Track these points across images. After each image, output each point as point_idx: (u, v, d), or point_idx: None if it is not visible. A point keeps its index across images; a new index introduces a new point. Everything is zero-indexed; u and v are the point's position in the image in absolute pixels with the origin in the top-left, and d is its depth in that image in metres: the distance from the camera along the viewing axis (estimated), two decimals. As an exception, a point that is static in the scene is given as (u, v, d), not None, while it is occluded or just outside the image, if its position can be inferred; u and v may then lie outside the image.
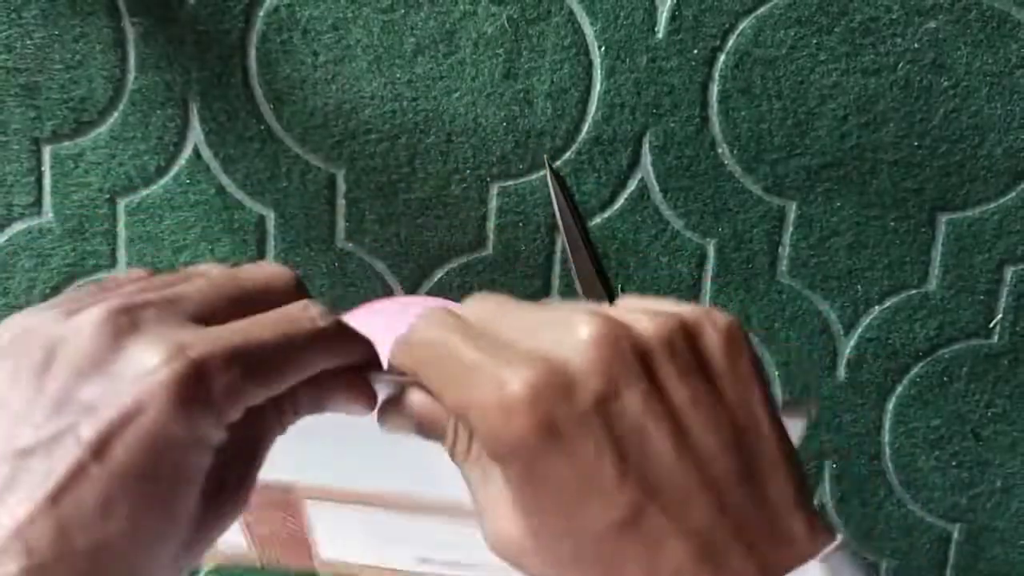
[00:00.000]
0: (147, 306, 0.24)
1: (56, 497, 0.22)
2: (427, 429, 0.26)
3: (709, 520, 0.23)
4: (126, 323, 0.23)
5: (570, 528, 0.23)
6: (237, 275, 0.28)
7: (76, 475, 0.22)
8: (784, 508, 0.23)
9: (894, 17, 0.58)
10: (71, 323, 0.23)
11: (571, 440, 0.23)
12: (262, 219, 0.59)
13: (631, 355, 0.23)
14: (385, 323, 0.54)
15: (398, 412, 0.27)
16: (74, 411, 0.22)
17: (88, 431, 0.22)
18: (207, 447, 0.23)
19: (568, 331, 0.24)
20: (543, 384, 0.23)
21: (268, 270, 0.29)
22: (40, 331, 0.23)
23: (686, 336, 0.24)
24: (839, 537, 0.23)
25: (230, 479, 0.25)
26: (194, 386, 0.22)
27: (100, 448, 0.22)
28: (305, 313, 0.26)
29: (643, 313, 0.24)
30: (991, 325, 0.62)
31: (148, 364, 0.22)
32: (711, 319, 0.25)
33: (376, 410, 0.27)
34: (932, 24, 0.58)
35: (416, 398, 0.26)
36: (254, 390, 0.24)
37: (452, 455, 0.26)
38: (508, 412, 0.23)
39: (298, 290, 0.28)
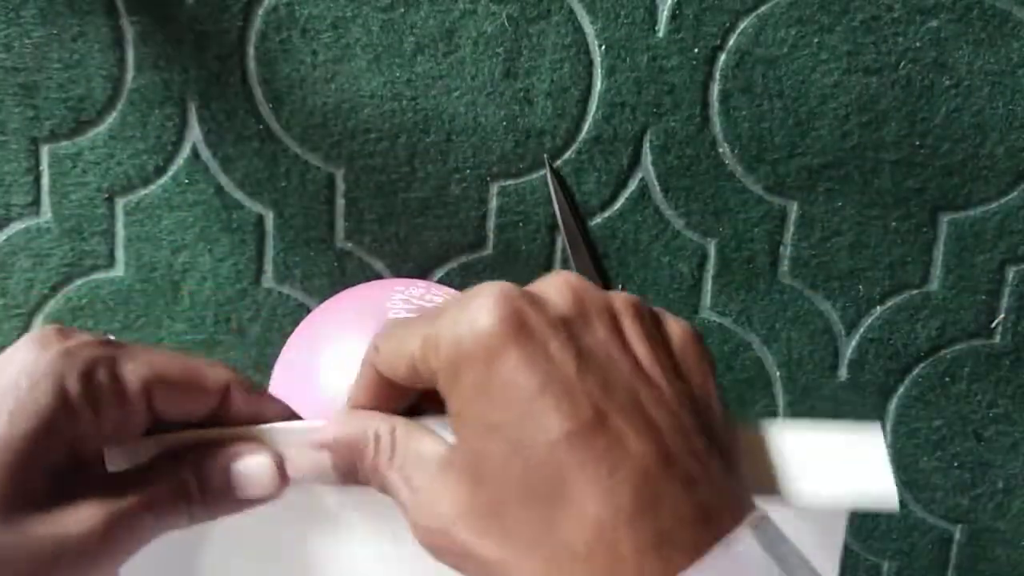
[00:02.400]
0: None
1: None
2: (345, 459, 0.26)
3: (671, 446, 0.22)
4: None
5: (522, 441, 0.22)
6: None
7: None
8: (733, 467, 0.24)
9: (896, 16, 0.57)
10: None
11: (536, 337, 0.23)
12: (261, 219, 0.59)
13: (599, 299, 0.24)
14: (364, 299, 0.54)
15: (313, 444, 0.27)
16: None
17: None
18: (57, 385, 0.25)
19: (544, 280, 0.25)
20: (511, 292, 0.24)
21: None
22: None
23: (651, 314, 0.25)
24: (761, 509, 0.23)
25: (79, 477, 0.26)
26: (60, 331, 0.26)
27: None
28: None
29: (614, 293, 0.26)
30: (993, 325, 0.62)
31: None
32: (672, 316, 0.26)
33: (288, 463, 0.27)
34: (934, 23, 0.58)
35: (332, 427, 0.27)
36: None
37: (373, 471, 0.26)
38: (477, 311, 0.23)
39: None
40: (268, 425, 0.28)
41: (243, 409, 0.28)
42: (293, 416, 0.28)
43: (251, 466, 0.27)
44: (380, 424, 0.26)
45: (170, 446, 0.27)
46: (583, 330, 0.24)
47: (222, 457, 0.27)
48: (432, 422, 0.26)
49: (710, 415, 0.24)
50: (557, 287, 0.24)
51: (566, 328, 0.23)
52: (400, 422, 0.26)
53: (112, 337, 0.26)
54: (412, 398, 0.27)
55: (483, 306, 0.23)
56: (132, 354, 0.26)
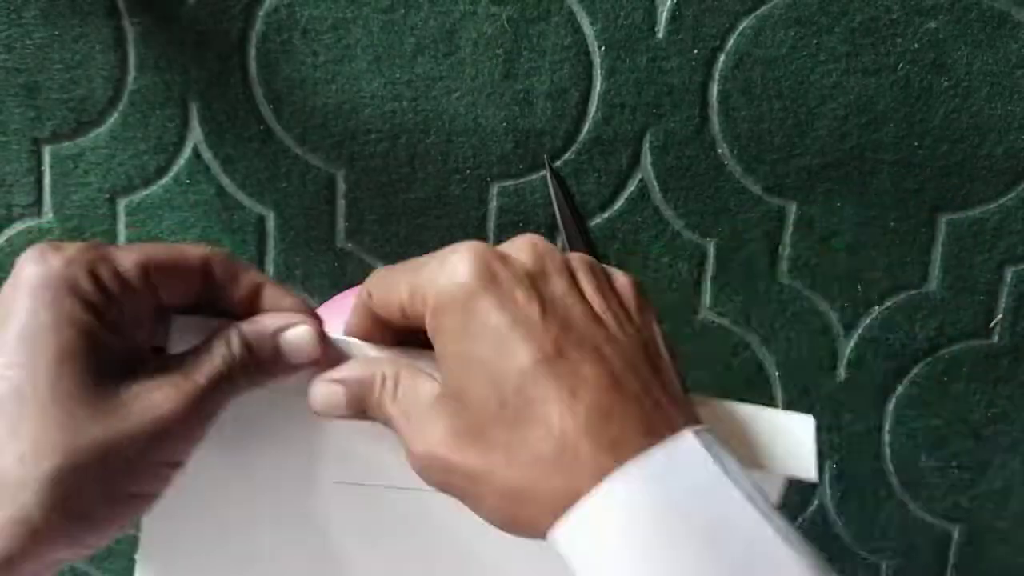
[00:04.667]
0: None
1: None
2: (356, 394, 0.30)
3: (620, 368, 0.27)
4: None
5: (498, 371, 0.27)
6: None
7: None
8: (677, 389, 0.29)
9: (894, 17, 0.58)
10: None
11: (505, 287, 0.28)
12: (262, 219, 0.59)
13: (558, 259, 0.29)
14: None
15: (327, 382, 0.31)
16: None
17: None
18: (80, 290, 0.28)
19: (512, 241, 0.30)
20: (482, 249, 0.28)
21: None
22: None
23: (602, 271, 0.30)
24: (704, 425, 0.28)
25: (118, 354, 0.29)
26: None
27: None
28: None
29: (575, 255, 0.30)
30: (991, 325, 0.62)
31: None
32: (619, 271, 0.31)
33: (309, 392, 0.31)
34: (932, 24, 0.58)
35: (347, 367, 0.31)
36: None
37: (379, 407, 0.30)
38: (455, 265, 0.28)
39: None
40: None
41: (223, 277, 0.31)
42: (266, 282, 0.32)
43: (296, 334, 0.31)
44: (387, 367, 0.30)
45: (221, 326, 0.31)
46: (545, 282, 0.28)
47: (269, 329, 0.31)
48: (425, 364, 0.31)
49: (654, 351, 0.29)
50: (523, 247, 0.29)
51: (530, 280, 0.28)
52: (404, 365, 0.30)
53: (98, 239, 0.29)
54: (401, 334, 0.32)
55: (460, 260, 0.28)
56: (122, 248, 0.30)
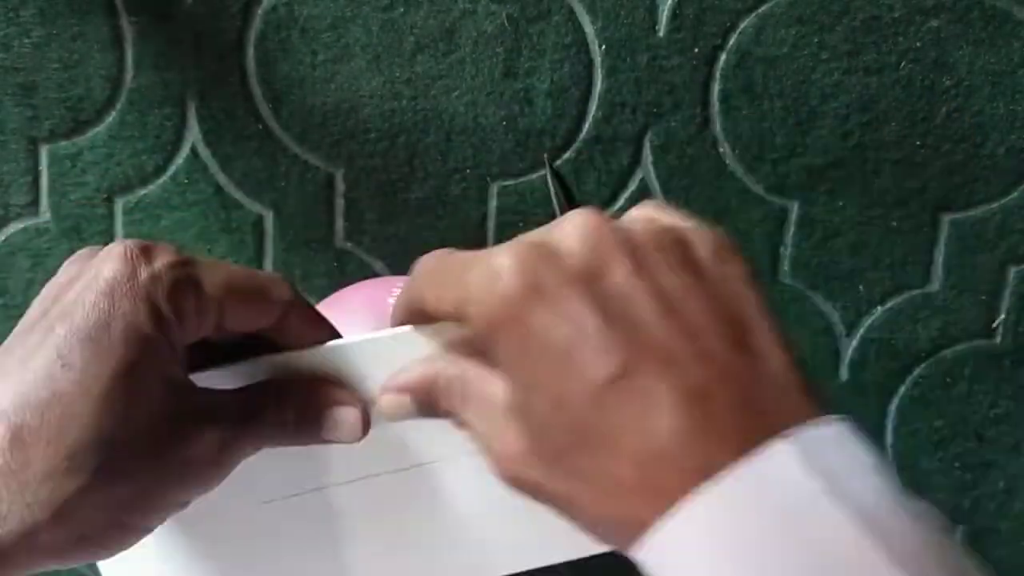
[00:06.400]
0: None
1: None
2: (423, 401, 0.29)
3: (702, 378, 0.23)
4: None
5: (564, 396, 0.24)
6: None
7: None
8: (782, 377, 0.24)
9: (896, 16, 0.57)
10: None
11: (556, 299, 0.24)
12: (260, 219, 0.59)
13: (617, 239, 0.25)
14: (366, 296, 0.54)
15: (396, 389, 0.29)
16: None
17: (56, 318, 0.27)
18: (154, 319, 0.26)
19: (558, 225, 0.26)
20: (526, 251, 0.25)
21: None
22: None
23: (676, 240, 0.26)
24: (836, 416, 0.24)
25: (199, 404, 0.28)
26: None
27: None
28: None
29: (638, 220, 0.26)
30: (994, 326, 0.62)
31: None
32: (702, 230, 0.26)
33: (379, 396, 0.30)
34: (934, 23, 0.58)
35: (405, 375, 0.29)
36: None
37: (450, 409, 0.28)
38: (497, 276, 0.24)
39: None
40: (357, 343, 0.30)
41: (297, 328, 0.30)
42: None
43: (344, 414, 0.29)
44: (449, 367, 0.28)
45: (275, 373, 0.30)
46: (602, 280, 0.24)
47: (322, 400, 0.29)
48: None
49: (748, 338, 0.24)
50: (571, 235, 0.25)
51: (584, 281, 0.24)
52: (469, 367, 0.28)
53: (185, 253, 0.28)
54: None
55: (505, 269, 0.24)
56: (209, 269, 0.28)
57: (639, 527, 0.23)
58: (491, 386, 0.26)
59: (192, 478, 0.28)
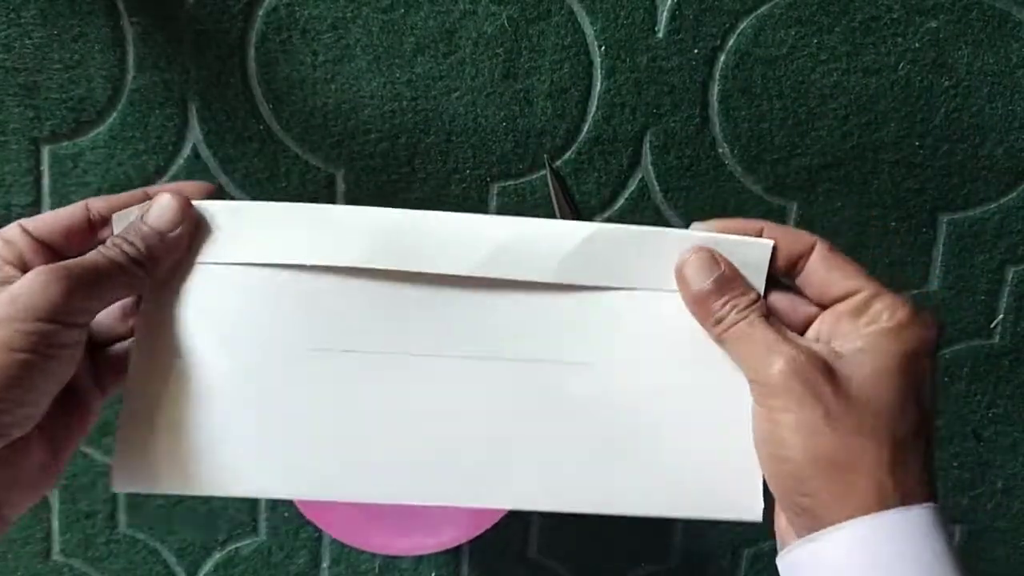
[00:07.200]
0: None
1: None
2: (709, 289, 0.40)
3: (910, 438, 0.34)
4: None
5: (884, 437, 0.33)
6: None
7: None
8: (926, 460, 0.34)
9: (895, 17, 0.57)
10: None
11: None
12: (261, 219, 0.59)
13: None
14: None
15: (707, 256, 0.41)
16: None
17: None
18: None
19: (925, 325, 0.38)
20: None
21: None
22: None
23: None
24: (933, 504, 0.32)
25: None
26: None
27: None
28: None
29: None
30: (992, 325, 0.62)
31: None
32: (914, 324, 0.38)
33: None
34: (933, 24, 0.58)
35: (720, 257, 0.42)
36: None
37: (728, 324, 0.38)
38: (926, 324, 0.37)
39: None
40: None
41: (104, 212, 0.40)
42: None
43: (160, 202, 0.37)
44: (748, 299, 0.39)
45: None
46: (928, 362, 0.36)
47: (135, 215, 0.38)
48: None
49: (927, 426, 0.35)
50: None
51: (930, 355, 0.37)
52: (758, 316, 0.39)
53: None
54: None
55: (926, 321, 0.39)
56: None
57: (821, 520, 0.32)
58: (771, 349, 0.36)
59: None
